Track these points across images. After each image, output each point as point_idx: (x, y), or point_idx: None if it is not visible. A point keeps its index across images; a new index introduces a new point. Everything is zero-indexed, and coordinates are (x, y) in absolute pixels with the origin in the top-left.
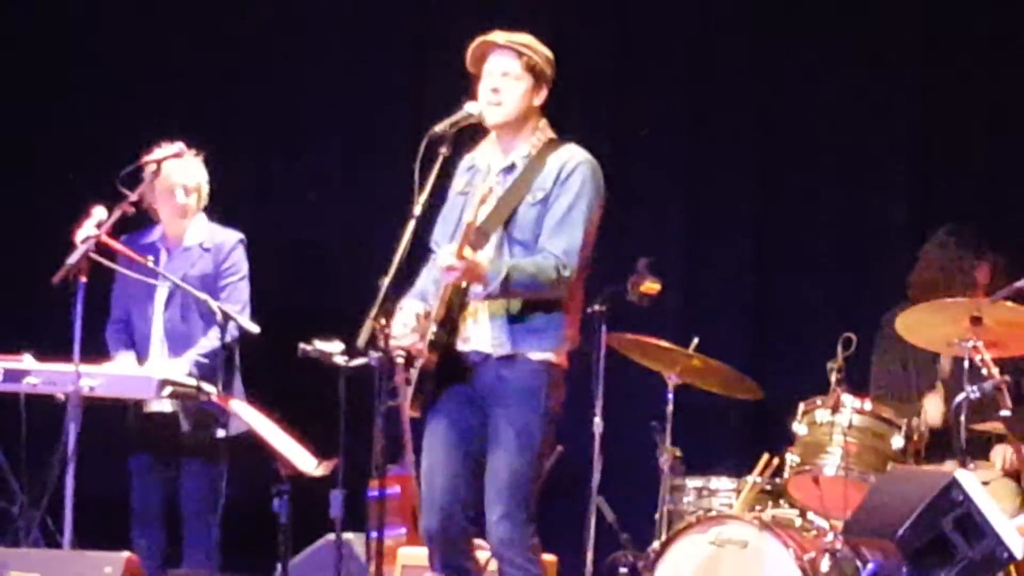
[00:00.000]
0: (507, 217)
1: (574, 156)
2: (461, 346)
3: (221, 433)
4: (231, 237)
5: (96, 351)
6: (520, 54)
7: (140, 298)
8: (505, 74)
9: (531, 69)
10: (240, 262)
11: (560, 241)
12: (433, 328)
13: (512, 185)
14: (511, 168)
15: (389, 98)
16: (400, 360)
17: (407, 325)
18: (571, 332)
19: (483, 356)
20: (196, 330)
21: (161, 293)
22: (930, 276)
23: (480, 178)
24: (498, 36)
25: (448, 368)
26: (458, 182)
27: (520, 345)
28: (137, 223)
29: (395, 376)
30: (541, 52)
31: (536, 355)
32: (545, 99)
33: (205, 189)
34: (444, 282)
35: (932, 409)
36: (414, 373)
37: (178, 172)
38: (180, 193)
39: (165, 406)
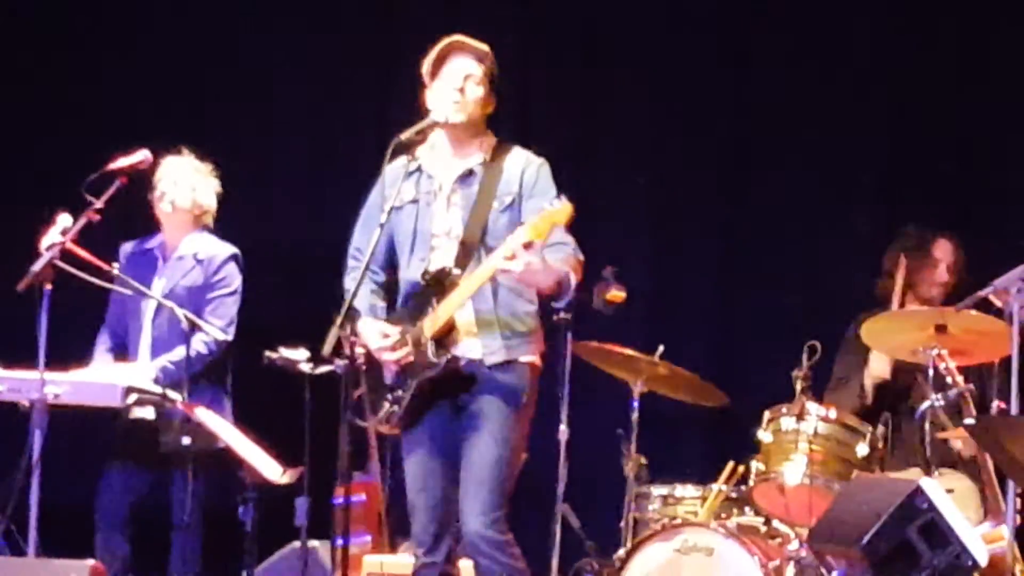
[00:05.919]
0: (482, 227)
1: (531, 158)
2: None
3: (186, 441)
4: (224, 251)
5: (63, 358)
6: (482, 59)
7: (134, 307)
8: (468, 76)
9: (489, 76)
10: (230, 277)
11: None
12: (432, 347)
13: (477, 194)
14: (469, 175)
15: (354, 103)
16: (363, 367)
17: (389, 338)
18: (542, 334)
19: (474, 363)
20: (180, 340)
21: (151, 302)
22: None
23: (434, 185)
24: (463, 39)
25: (436, 382)
26: (405, 188)
27: (513, 352)
28: (146, 228)
29: (360, 384)
30: (495, 63)
31: (525, 359)
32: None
33: (214, 208)
34: (514, 276)
35: (877, 362)
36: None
37: (206, 195)
38: (199, 215)
39: (148, 413)
